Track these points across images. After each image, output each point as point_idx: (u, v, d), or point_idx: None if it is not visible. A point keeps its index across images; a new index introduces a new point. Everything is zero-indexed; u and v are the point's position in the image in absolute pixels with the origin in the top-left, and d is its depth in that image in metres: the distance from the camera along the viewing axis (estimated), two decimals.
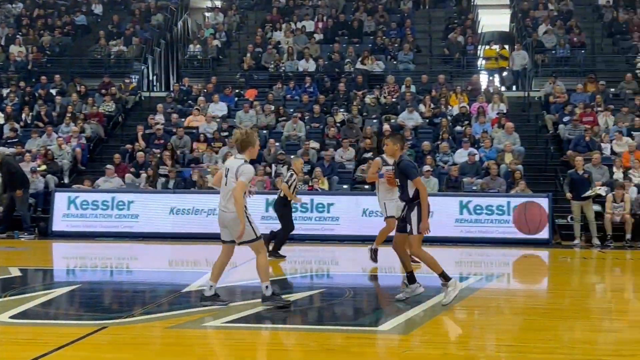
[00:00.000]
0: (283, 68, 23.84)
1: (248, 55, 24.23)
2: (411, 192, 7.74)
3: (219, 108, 21.17)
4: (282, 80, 22.97)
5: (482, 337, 6.51)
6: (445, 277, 7.60)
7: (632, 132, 19.05)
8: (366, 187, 17.74)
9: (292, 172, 12.51)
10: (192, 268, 12.57)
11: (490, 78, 24.59)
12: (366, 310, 8.15)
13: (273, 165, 18.37)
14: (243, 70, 24.08)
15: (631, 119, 19.61)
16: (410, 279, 7.94)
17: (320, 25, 25.94)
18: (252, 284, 8.44)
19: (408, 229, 7.69)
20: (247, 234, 7.26)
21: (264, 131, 19.99)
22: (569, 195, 15.93)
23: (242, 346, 5.98)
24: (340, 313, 7.78)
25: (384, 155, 10.96)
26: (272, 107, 20.86)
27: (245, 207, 7.36)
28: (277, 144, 19.15)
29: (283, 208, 12.49)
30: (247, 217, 7.34)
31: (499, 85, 23.77)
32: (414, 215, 7.64)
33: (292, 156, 17.45)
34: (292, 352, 5.87)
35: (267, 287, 7.39)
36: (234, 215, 7.23)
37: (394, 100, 21.43)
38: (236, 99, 22.21)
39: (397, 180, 7.95)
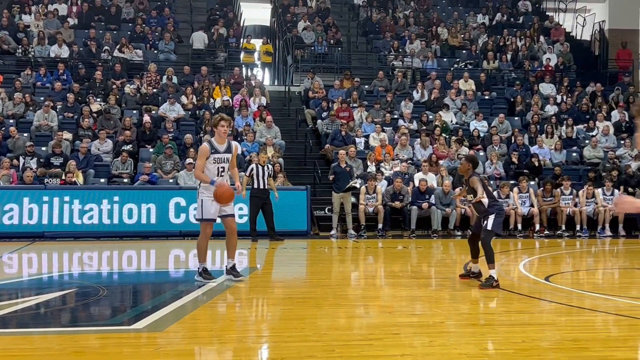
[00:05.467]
0: (32, 53, 22.43)
1: None
2: None
3: None
4: (31, 66, 21.60)
5: (238, 329, 6.57)
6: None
7: (384, 127, 20.40)
8: (125, 181, 17.28)
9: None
10: None
11: (252, 72, 25.06)
12: (121, 309, 7.91)
13: (21, 158, 17.27)
14: None
15: (383, 115, 20.99)
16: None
17: (74, 9, 24.74)
18: None
19: None
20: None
21: (11, 120, 18.73)
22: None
23: None
24: (94, 313, 7.48)
25: (212, 140, 9.03)
26: (21, 95, 19.58)
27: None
28: (25, 134, 18.01)
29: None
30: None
31: (261, 79, 24.28)
32: None
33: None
34: (41, 357, 5.49)
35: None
36: None
37: (154, 90, 21.05)
38: None
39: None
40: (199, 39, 24.12)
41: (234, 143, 9.21)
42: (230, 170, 9.06)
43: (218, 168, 8.85)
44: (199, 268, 9.07)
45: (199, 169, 8.86)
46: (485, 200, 9.07)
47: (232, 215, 9.06)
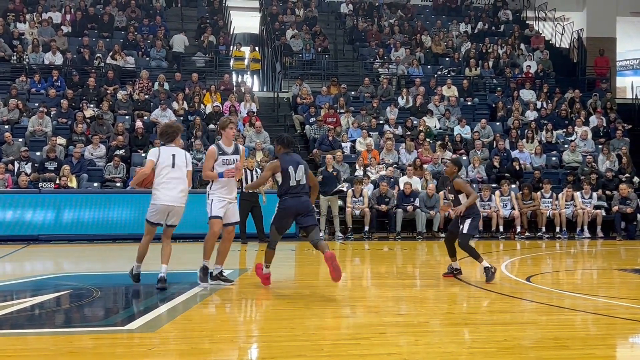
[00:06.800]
0: (27, 60, 22.32)
1: None
2: None
3: None
4: (26, 73, 21.49)
5: (230, 329, 6.56)
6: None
7: (370, 132, 20.43)
8: (117, 185, 17.22)
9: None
10: None
11: (242, 78, 25.05)
12: (115, 310, 7.87)
13: (16, 163, 17.18)
14: None
15: (369, 120, 21.02)
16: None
17: (68, 17, 24.66)
18: None
19: None
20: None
21: (6, 126, 18.62)
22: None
23: None
24: (88, 314, 7.44)
25: (220, 143, 8.69)
26: (15, 101, 19.47)
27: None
28: (20, 139, 17.91)
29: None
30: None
31: (250, 86, 24.28)
32: None
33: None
34: (36, 357, 5.45)
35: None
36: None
37: (146, 97, 20.99)
38: None
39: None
40: (179, 42, 24.13)
41: (241, 146, 8.92)
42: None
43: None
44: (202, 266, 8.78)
45: (206, 169, 8.56)
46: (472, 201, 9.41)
47: (234, 224, 8.83)
